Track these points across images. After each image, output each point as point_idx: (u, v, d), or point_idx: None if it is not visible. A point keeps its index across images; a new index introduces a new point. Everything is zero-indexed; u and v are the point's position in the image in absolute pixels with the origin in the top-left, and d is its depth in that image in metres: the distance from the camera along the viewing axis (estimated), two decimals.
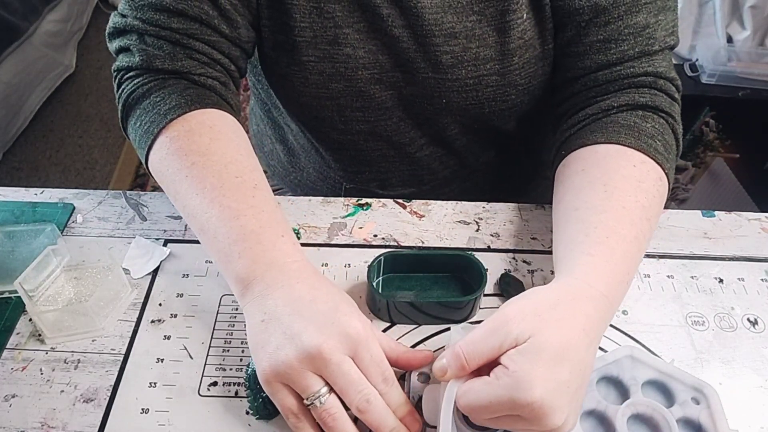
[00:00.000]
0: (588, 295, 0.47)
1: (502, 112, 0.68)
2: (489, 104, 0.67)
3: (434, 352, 0.52)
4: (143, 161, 0.60)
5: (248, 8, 0.62)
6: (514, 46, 0.63)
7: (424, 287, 0.60)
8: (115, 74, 0.64)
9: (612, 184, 0.55)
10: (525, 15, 0.62)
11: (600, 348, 0.56)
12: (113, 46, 0.64)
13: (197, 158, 0.55)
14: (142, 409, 0.51)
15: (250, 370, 0.53)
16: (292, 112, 0.75)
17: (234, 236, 0.51)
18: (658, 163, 0.57)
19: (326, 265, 0.62)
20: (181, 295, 0.59)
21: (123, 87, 0.62)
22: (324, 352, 0.44)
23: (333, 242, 0.65)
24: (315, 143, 0.77)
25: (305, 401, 0.46)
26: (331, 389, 0.46)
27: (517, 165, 0.81)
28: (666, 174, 0.58)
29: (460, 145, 0.74)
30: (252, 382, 0.52)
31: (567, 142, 0.63)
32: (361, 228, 0.66)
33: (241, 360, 0.55)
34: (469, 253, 0.60)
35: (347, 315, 0.47)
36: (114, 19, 0.62)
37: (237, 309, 0.58)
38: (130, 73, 0.62)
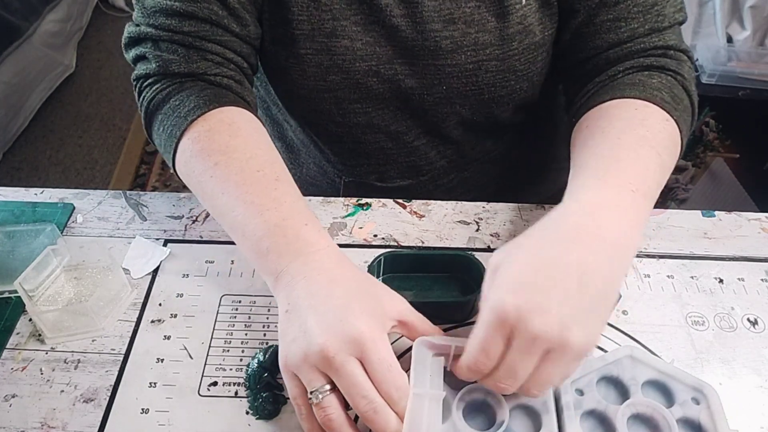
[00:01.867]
0: (575, 209, 0.49)
1: (502, 98, 0.69)
2: (489, 90, 0.67)
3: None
4: (170, 166, 0.61)
5: (254, 4, 0.63)
6: (513, 31, 0.64)
7: (423, 287, 0.60)
8: (134, 83, 0.65)
9: (610, 127, 0.56)
10: (524, 1, 0.63)
11: (600, 348, 0.56)
12: (130, 55, 0.65)
13: (219, 157, 0.56)
14: (142, 409, 0.51)
15: (250, 370, 0.53)
16: (290, 107, 0.75)
17: (260, 232, 0.52)
18: (663, 109, 0.57)
19: None
20: (181, 295, 0.60)
21: (143, 95, 0.63)
22: (327, 352, 0.45)
23: None
24: (314, 137, 0.78)
25: (308, 395, 0.46)
26: (335, 388, 0.46)
27: (516, 157, 0.81)
28: (674, 119, 0.57)
29: (457, 134, 0.75)
30: (252, 382, 0.52)
31: (577, 111, 0.64)
32: (361, 228, 0.66)
33: (241, 360, 0.55)
34: (469, 253, 0.60)
35: (357, 315, 0.46)
36: (128, 29, 0.64)
37: (237, 309, 0.58)
38: (149, 80, 0.63)
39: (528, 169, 0.84)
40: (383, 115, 0.71)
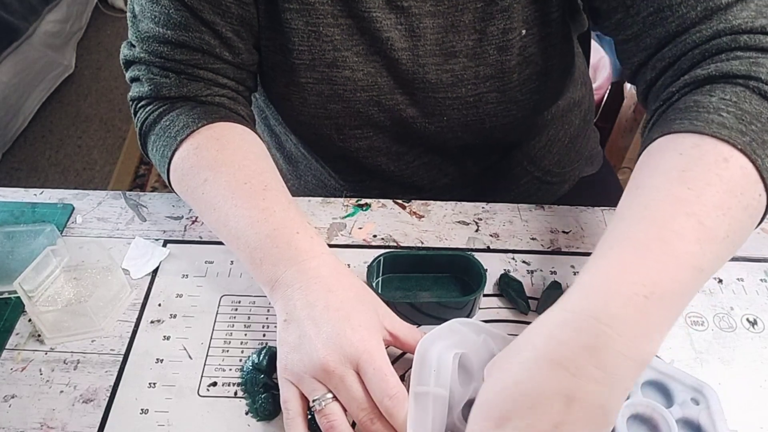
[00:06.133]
0: (566, 321, 0.41)
1: (503, 126, 0.69)
2: (490, 120, 0.67)
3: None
4: (168, 185, 0.62)
5: (251, 31, 0.63)
6: (513, 63, 0.63)
7: (423, 288, 0.60)
8: (130, 103, 0.66)
9: (640, 187, 0.45)
10: (524, 32, 0.62)
11: None
12: (127, 75, 0.65)
13: (208, 174, 0.57)
14: (142, 410, 0.51)
15: (245, 373, 0.53)
16: (291, 127, 0.76)
17: (253, 244, 0.53)
18: (721, 139, 0.44)
19: None
20: (181, 296, 0.59)
21: (138, 115, 0.64)
22: (327, 366, 0.45)
23: (332, 243, 0.65)
24: (314, 155, 0.78)
25: (310, 402, 0.47)
26: (336, 396, 0.46)
27: (519, 172, 0.81)
28: (741, 150, 0.43)
29: (459, 155, 0.75)
30: (249, 384, 0.52)
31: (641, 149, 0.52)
32: (360, 228, 0.66)
33: (240, 360, 0.55)
34: (469, 253, 0.60)
35: (354, 327, 0.47)
36: (124, 51, 0.64)
37: (236, 309, 0.58)
38: (142, 102, 0.64)
39: (531, 182, 0.84)
40: (384, 140, 0.71)
